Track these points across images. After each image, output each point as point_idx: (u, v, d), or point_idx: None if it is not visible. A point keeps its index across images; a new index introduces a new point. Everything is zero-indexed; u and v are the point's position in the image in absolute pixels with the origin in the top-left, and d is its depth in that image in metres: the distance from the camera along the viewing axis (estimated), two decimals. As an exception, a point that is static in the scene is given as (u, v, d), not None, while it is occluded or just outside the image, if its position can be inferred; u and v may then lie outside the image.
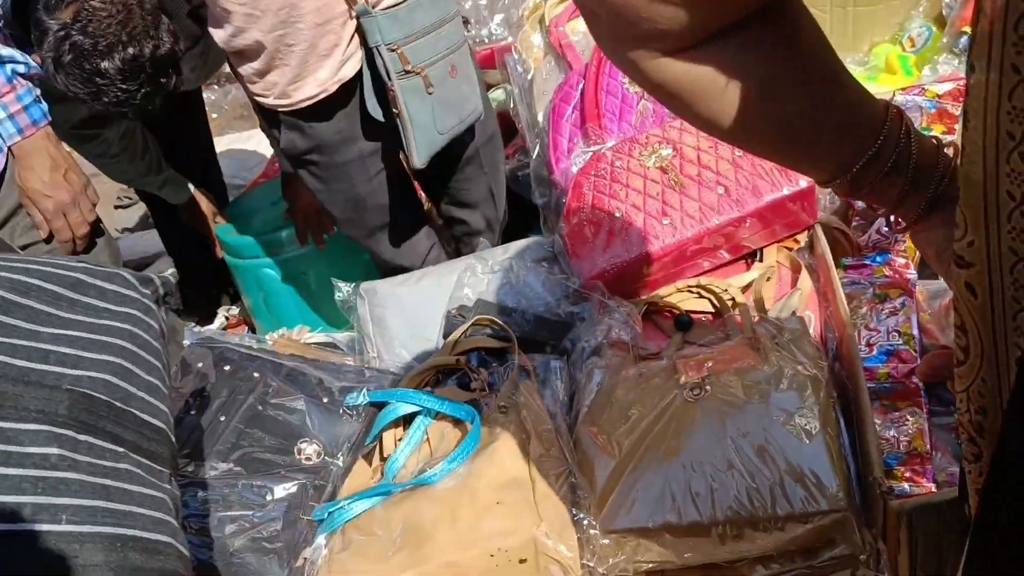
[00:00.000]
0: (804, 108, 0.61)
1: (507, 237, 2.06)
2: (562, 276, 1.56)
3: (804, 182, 1.49)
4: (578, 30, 2.11)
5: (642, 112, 1.77)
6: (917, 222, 0.67)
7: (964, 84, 1.55)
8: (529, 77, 2.10)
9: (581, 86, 1.87)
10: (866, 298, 1.45)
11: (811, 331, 1.37)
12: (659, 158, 1.60)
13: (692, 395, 1.20)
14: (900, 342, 1.37)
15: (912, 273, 1.47)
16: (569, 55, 2.08)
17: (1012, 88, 0.40)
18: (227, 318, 2.59)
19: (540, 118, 1.97)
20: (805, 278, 1.47)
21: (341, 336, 1.88)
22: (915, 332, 1.38)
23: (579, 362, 1.40)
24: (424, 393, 1.39)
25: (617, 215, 1.57)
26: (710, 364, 1.24)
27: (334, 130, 1.68)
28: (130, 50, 1.51)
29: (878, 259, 1.51)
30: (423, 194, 2.13)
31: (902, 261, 1.50)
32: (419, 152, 1.64)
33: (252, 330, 2.45)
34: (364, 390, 1.41)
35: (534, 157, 1.92)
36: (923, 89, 1.69)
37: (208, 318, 2.56)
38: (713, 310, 1.48)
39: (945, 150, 0.66)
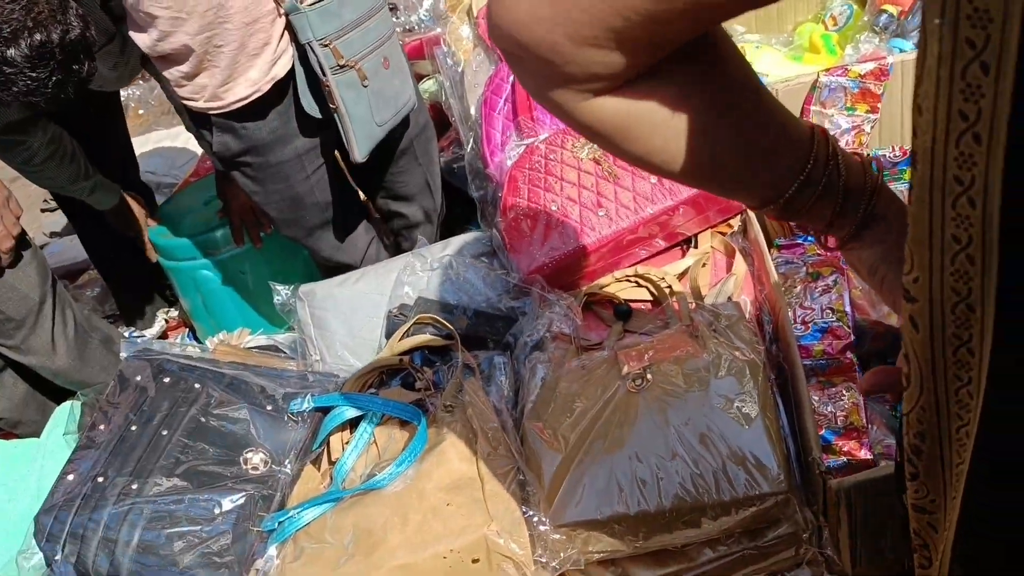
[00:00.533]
0: (735, 136, 0.61)
1: (445, 230, 2.06)
2: (502, 271, 1.56)
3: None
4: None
5: (574, 102, 1.77)
6: (849, 241, 0.67)
7: (885, 64, 1.55)
8: (459, 70, 2.09)
9: (512, 78, 1.87)
10: (799, 277, 1.48)
11: (747, 314, 1.40)
12: (592, 149, 1.60)
13: (634, 386, 1.22)
14: (834, 319, 1.40)
15: (843, 250, 1.50)
16: (499, 46, 2.07)
17: (959, 135, 0.40)
18: (166, 321, 2.54)
19: (472, 111, 1.96)
20: (740, 262, 1.50)
21: (283, 337, 1.86)
22: (847, 308, 1.41)
23: (522, 356, 1.41)
24: (369, 396, 1.39)
25: (553, 208, 1.57)
26: (650, 354, 1.26)
27: (268, 130, 1.66)
28: (37, 36, 1.44)
29: (810, 238, 1.54)
30: (358, 190, 2.11)
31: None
32: (360, 146, 1.63)
33: (192, 332, 2.41)
34: (308, 395, 1.40)
35: (468, 151, 1.92)
36: (846, 70, 1.72)
37: (146, 323, 2.51)
38: (651, 298, 1.50)
39: (869, 165, 0.67)
